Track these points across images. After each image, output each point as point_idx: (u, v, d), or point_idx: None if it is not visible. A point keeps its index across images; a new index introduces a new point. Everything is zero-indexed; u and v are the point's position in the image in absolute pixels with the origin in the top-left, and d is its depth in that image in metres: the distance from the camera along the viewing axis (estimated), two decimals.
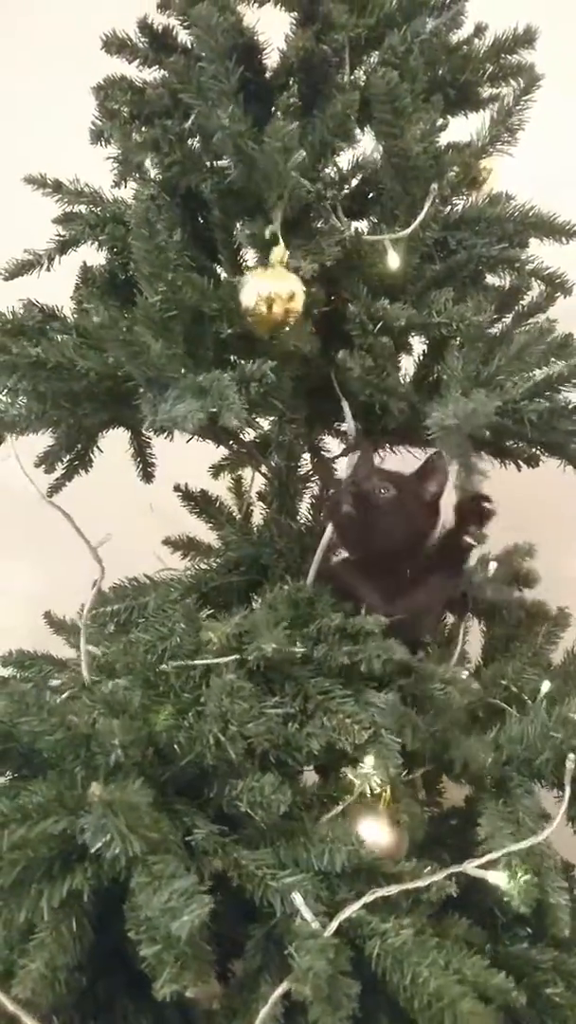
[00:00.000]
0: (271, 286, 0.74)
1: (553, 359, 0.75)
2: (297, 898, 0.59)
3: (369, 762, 0.65)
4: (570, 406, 0.74)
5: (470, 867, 0.66)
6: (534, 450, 0.88)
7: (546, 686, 0.82)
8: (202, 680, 0.67)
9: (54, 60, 1.32)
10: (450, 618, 0.95)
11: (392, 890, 0.62)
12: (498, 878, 0.65)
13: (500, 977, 0.62)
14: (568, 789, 0.71)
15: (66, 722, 0.61)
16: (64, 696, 0.69)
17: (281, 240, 0.75)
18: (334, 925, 0.59)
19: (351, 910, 0.60)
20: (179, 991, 0.55)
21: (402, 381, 0.73)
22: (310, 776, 0.83)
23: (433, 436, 0.69)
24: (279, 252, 0.75)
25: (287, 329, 0.76)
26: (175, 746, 0.63)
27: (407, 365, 0.88)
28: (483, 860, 0.66)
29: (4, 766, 0.69)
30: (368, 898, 0.61)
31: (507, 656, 0.93)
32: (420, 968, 0.59)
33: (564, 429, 0.76)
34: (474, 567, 0.88)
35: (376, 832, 0.70)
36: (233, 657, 0.65)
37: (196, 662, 0.66)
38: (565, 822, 0.77)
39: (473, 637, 0.99)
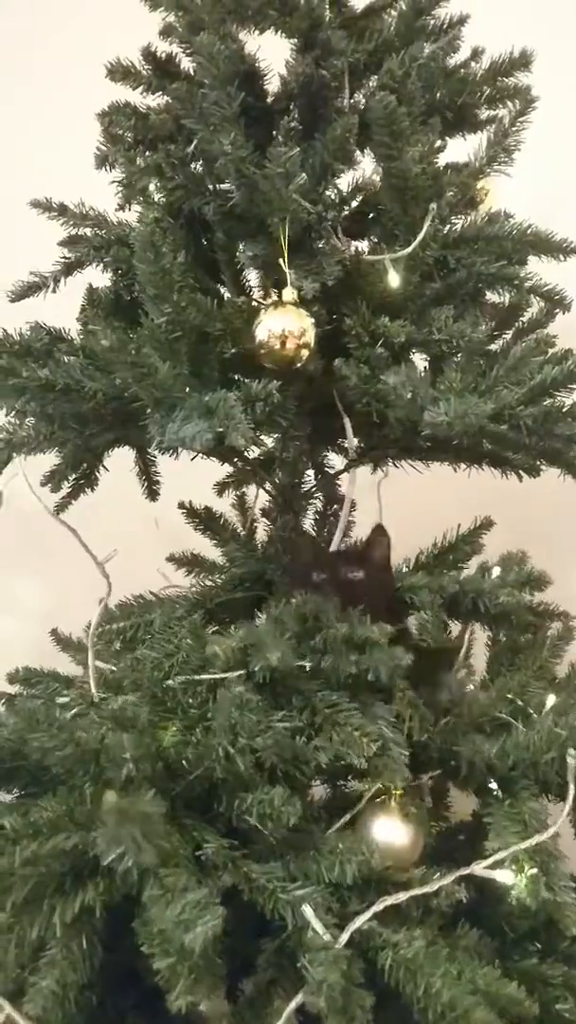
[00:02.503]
0: (285, 324, 0.77)
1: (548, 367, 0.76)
2: (308, 910, 0.59)
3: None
4: (564, 409, 0.75)
5: (478, 868, 0.67)
6: (536, 461, 0.89)
7: (551, 700, 0.82)
8: (209, 695, 0.67)
9: (60, 87, 1.35)
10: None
11: (401, 897, 0.62)
12: (505, 876, 0.66)
13: (512, 987, 0.62)
14: (572, 788, 0.71)
15: (75, 738, 0.62)
16: (72, 713, 0.70)
17: (291, 281, 0.77)
18: (346, 936, 0.59)
19: (362, 920, 0.60)
20: (191, 1007, 0.55)
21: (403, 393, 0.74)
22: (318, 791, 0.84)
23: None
24: (290, 293, 0.78)
25: (298, 365, 0.79)
26: (183, 761, 0.63)
27: None
28: (490, 860, 0.66)
29: (14, 783, 0.69)
30: (379, 907, 0.61)
31: (512, 669, 0.93)
32: (433, 979, 0.59)
33: (561, 434, 0.77)
34: (477, 574, 0.89)
35: (391, 831, 0.71)
36: (239, 672, 0.66)
37: (202, 677, 0.67)
38: (570, 825, 0.77)
39: (478, 649, 0.99)
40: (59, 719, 0.63)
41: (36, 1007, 0.57)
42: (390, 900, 0.62)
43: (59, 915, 0.57)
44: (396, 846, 0.70)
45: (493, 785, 0.75)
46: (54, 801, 0.61)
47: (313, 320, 0.79)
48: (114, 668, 0.78)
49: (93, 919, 0.60)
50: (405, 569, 0.92)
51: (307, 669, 0.68)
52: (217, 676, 0.66)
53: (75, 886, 0.59)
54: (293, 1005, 0.57)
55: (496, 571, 0.87)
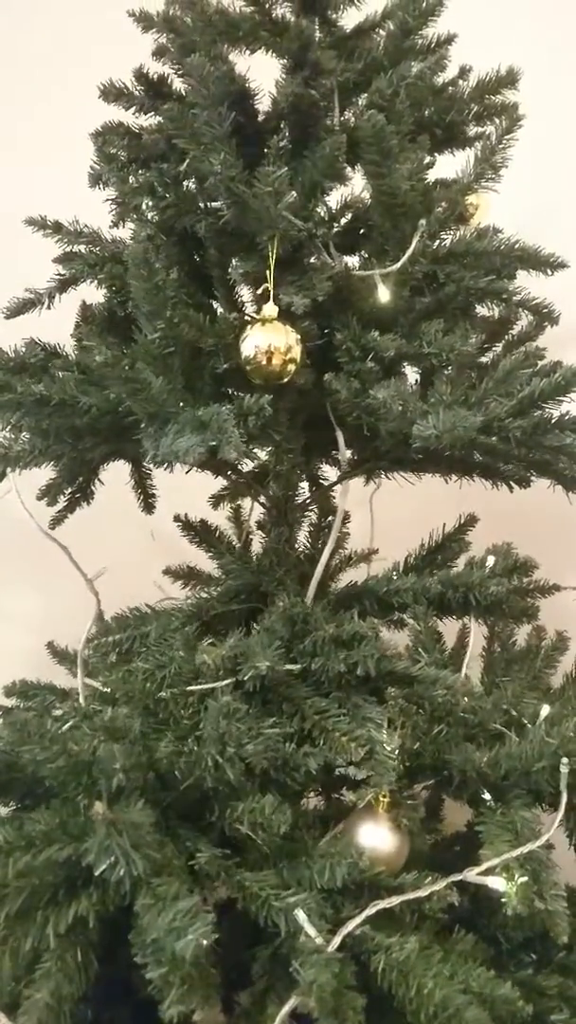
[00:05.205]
0: (271, 340, 0.78)
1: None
2: (300, 915, 0.59)
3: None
4: (552, 420, 0.76)
5: (470, 875, 0.67)
6: (526, 472, 0.90)
7: (545, 710, 0.82)
8: (200, 706, 0.67)
9: (55, 107, 1.36)
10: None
11: (394, 901, 0.62)
12: (497, 883, 0.66)
13: (506, 987, 0.62)
14: (564, 796, 0.72)
15: (67, 749, 0.62)
16: (67, 726, 0.70)
17: (273, 297, 0.78)
18: (338, 939, 0.59)
19: (355, 923, 0.60)
20: (186, 1018, 0.55)
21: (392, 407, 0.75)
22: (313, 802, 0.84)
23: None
24: (271, 309, 0.79)
25: (285, 380, 0.80)
26: (176, 772, 0.63)
27: None
28: (483, 867, 0.66)
29: (8, 796, 0.70)
30: (371, 910, 0.61)
31: (507, 680, 0.93)
32: (425, 979, 0.59)
33: (550, 445, 0.78)
34: (468, 568, 0.90)
35: (377, 837, 0.71)
36: (229, 680, 0.66)
37: (193, 688, 0.67)
38: (564, 835, 0.77)
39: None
40: (51, 731, 0.64)
41: (31, 1020, 0.57)
42: (382, 904, 0.62)
43: (52, 926, 0.57)
44: (380, 851, 0.70)
45: (487, 796, 0.76)
46: (47, 813, 0.61)
47: (299, 336, 0.80)
48: (105, 681, 0.78)
49: (87, 930, 0.60)
50: (395, 574, 0.93)
51: (296, 674, 0.68)
52: (208, 687, 0.67)
53: (68, 897, 0.59)
54: (287, 1008, 0.57)
55: (490, 560, 0.88)
